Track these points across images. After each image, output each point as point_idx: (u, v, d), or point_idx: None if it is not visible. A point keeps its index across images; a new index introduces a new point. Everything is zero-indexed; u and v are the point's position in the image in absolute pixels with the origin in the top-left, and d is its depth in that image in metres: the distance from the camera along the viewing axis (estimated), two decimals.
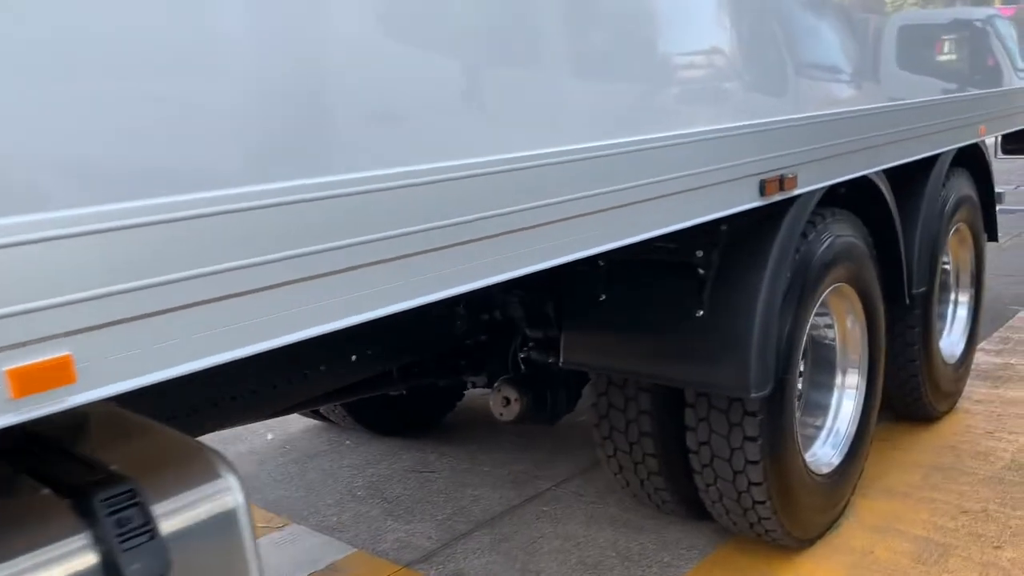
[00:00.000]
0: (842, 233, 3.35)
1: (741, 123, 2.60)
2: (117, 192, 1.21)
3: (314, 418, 4.91)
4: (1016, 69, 5.34)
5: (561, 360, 3.23)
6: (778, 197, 2.79)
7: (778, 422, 3.05)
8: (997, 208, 7.47)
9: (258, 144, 1.41)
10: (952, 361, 4.64)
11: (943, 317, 4.80)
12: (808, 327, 3.19)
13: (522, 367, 3.59)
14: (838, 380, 3.63)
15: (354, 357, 3.04)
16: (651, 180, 2.28)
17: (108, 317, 1.20)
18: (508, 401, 3.52)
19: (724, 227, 2.97)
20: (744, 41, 2.68)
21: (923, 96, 3.72)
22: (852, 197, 3.57)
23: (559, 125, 2.04)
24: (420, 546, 3.66)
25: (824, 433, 3.54)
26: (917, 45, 3.75)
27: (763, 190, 2.69)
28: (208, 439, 1.83)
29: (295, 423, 5.08)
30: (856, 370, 3.63)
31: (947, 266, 4.83)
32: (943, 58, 4.10)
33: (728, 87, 2.62)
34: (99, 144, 1.20)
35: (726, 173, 2.55)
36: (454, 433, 4.86)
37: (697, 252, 2.94)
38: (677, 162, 2.37)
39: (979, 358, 5.51)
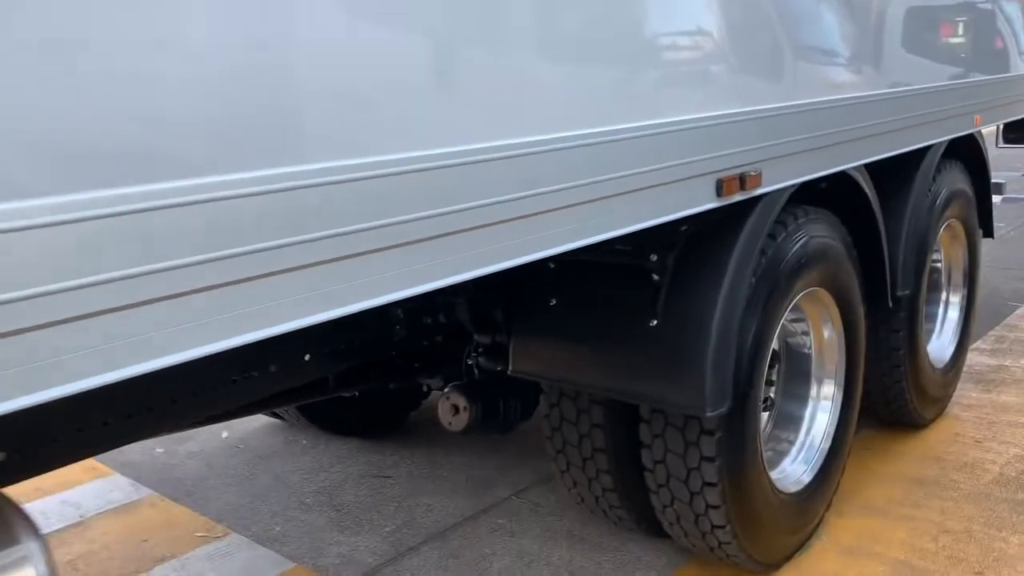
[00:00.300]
0: (817, 233, 3.10)
1: (694, 116, 2.34)
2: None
3: (271, 416, 4.69)
4: (1021, 54, 5.05)
5: (510, 369, 2.99)
6: (739, 197, 2.53)
7: (739, 441, 2.81)
8: (997, 200, 7.22)
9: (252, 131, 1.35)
10: (941, 365, 4.39)
11: (933, 318, 4.55)
12: (775, 337, 2.94)
13: (476, 372, 3.35)
14: (813, 391, 3.39)
15: (308, 357, 2.82)
16: (583, 182, 2.03)
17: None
18: (457, 409, 3.28)
19: (684, 228, 2.72)
20: (698, 25, 2.41)
21: (910, 84, 3.45)
22: (830, 194, 3.31)
23: (479, 118, 1.79)
24: (363, 562, 3.44)
25: (795, 449, 3.30)
26: (904, 28, 3.47)
27: (720, 190, 2.43)
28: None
29: (253, 420, 4.86)
30: (832, 380, 3.38)
31: (938, 264, 4.56)
32: (934, 42, 3.81)
33: (679, 76, 2.35)
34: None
35: (676, 172, 2.29)
36: (417, 433, 4.62)
37: (651, 256, 2.69)
38: (615, 161, 2.11)
39: (972, 359, 5.26)
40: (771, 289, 2.85)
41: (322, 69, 1.46)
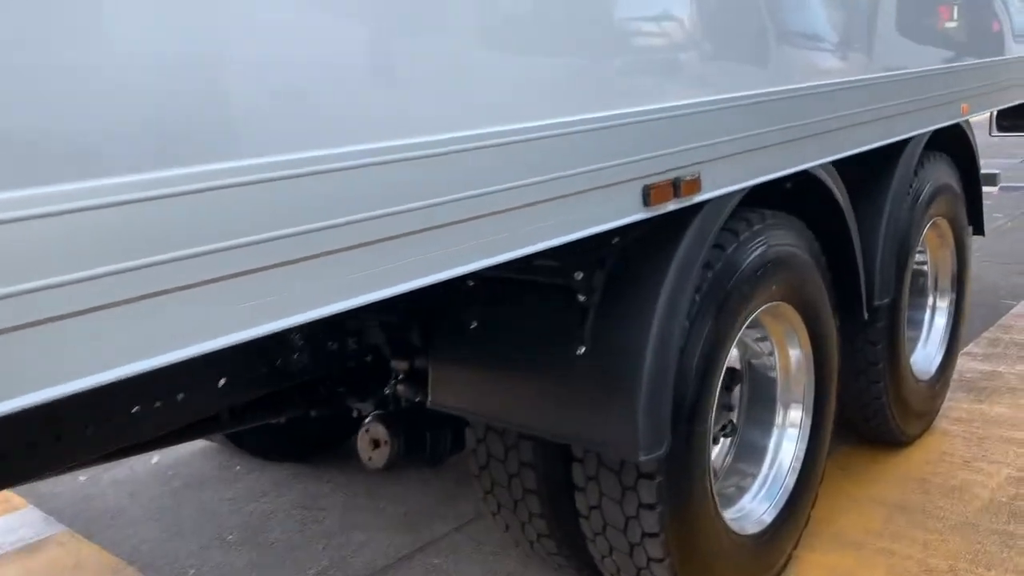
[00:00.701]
0: (777, 242, 2.73)
1: (612, 112, 1.97)
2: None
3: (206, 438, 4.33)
4: (1016, 36, 4.67)
5: (428, 401, 2.64)
6: (672, 206, 2.16)
7: (684, 484, 2.45)
8: (993, 190, 6.85)
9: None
10: (926, 378, 4.02)
11: (918, 325, 4.18)
12: (728, 359, 2.58)
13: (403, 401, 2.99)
14: (779, 417, 3.02)
15: (223, 381, 2.52)
16: (469, 194, 1.67)
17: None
18: (377, 443, 2.92)
19: (616, 239, 2.36)
20: (619, 6, 2.04)
21: (885, 70, 3.07)
22: (794, 195, 2.94)
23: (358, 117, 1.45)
24: None
25: (758, 483, 2.94)
26: (876, 6, 3.10)
27: (648, 199, 2.07)
28: None
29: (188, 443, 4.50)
30: (800, 405, 3.01)
31: (923, 267, 4.20)
32: (913, 23, 3.43)
33: (596, 67, 1.98)
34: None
35: (592, 179, 1.93)
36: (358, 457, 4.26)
37: (576, 273, 2.33)
38: (517, 168, 1.75)
39: (964, 364, 4.90)
40: (720, 307, 2.48)
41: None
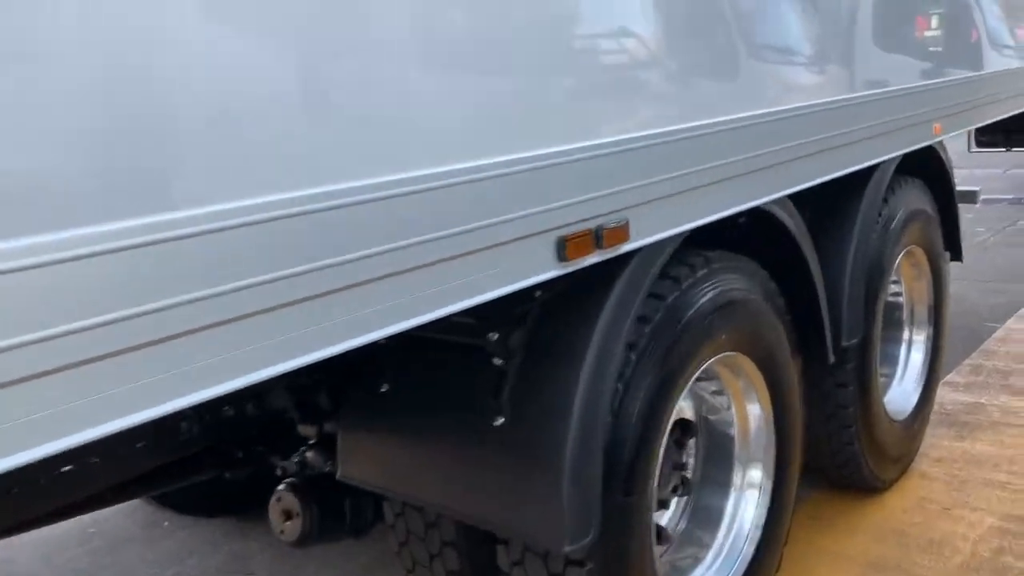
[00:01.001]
0: (727, 287, 2.45)
1: (517, 156, 1.69)
2: None
3: None
4: (995, 48, 4.43)
5: (338, 473, 2.35)
6: (595, 259, 1.88)
7: (621, 568, 2.16)
8: (978, 205, 6.61)
9: None
10: (902, 417, 3.74)
11: (893, 361, 3.90)
12: (668, 425, 2.29)
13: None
14: (736, 478, 2.73)
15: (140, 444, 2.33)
16: (331, 262, 1.39)
17: None
18: (289, 515, 2.62)
19: (539, 293, 2.07)
20: (527, 35, 1.76)
21: (845, 93, 2.80)
22: (747, 233, 2.67)
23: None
24: None
25: (712, 554, 2.65)
26: (833, 24, 2.83)
27: (563, 252, 1.78)
28: None
29: None
30: (760, 465, 2.72)
31: (899, 298, 3.92)
32: (878, 40, 3.17)
33: (501, 107, 1.70)
34: None
35: (491, 234, 1.65)
36: None
37: (490, 334, 2.04)
38: (387, 228, 1.47)
39: (944, 394, 4.63)
40: (660, 365, 2.20)
41: None
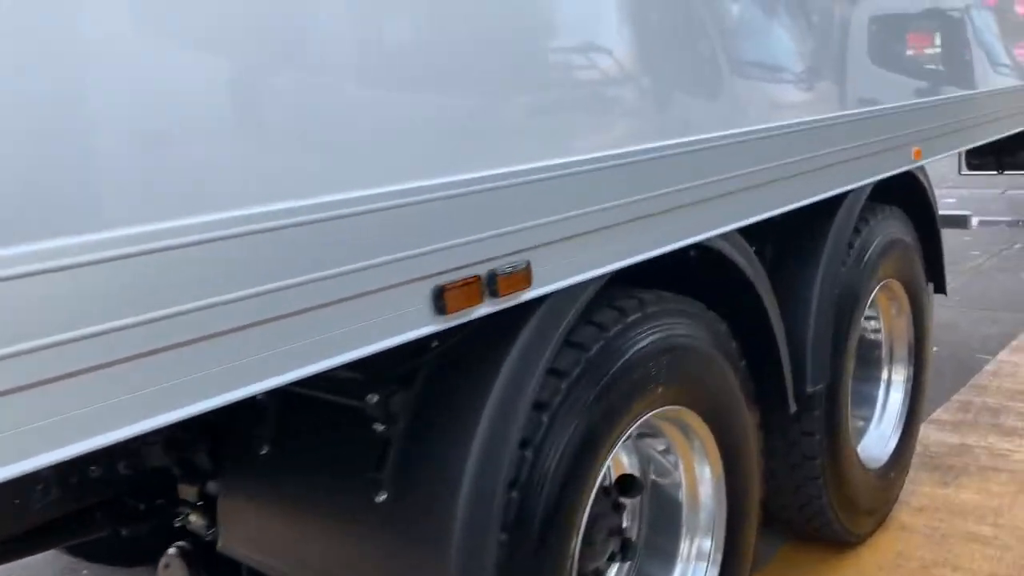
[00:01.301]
0: (666, 332, 2.17)
1: (386, 189, 1.42)
2: None
3: None
4: (985, 65, 4.16)
5: (219, 543, 2.06)
6: (486, 309, 1.60)
7: None
8: (973, 223, 6.32)
9: None
10: (878, 465, 3.45)
11: (870, 403, 3.61)
12: (592, 495, 2.00)
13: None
14: (684, 548, 2.44)
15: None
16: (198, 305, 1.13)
17: None
18: None
19: (435, 344, 1.80)
20: (395, 45, 1.48)
21: (803, 115, 2.52)
22: (691, 269, 2.39)
23: None
24: None
25: None
26: (795, 36, 2.56)
27: (442, 304, 1.50)
28: None
29: None
30: (710, 535, 2.43)
31: (877, 335, 3.63)
32: (848, 56, 2.90)
33: (369, 133, 1.42)
34: None
35: (352, 282, 1.37)
36: None
37: (369, 396, 1.75)
38: (221, 276, 1.20)
39: (929, 434, 4.34)
40: (579, 426, 1.91)
41: None
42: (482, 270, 1.57)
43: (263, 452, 1.98)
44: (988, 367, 5.35)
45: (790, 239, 2.92)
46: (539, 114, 1.70)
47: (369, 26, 1.45)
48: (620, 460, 2.45)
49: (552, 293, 1.77)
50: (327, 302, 1.36)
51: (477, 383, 1.74)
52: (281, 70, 1.32)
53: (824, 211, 2.93)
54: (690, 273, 2.41)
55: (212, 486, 2.21)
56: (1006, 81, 4.34)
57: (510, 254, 1.62)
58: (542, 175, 1.66)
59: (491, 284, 1.58)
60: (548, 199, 1.68)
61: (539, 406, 1.84)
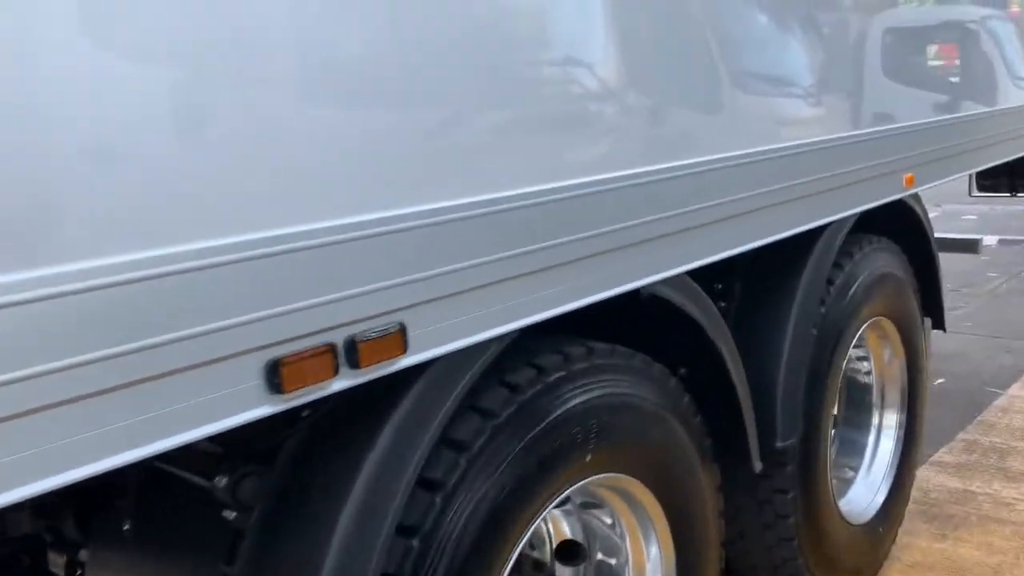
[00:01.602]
0: (602, 390, 1.91)
1: (206, 244, 1.17)
2: None
3: None
4: (991, 82, 3.87)
5: None
6: (344, 383, 1.34)
7: None
8: (992, 242, 5.98)
9: None
10: (865, 520, 3.16)
11: (859, 452, 3.32)
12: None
13: None
14: None
15: None
16: None
17: None
18: None
19: (306, 412, 1.55)
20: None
21: (763, 143, 2.24)
22: (637, 316, 2.13)
23: None
24: None
25: None
26: (752, 48, 2.29)
27: (277, 381, 1.24)
28: None
29: None
30: None
31: (867, 378, 3.34)
32: (825, 74, 2.62)
33: (179, 185, 1.17)
34: None
35: (165, 357, 1.13)
36: None
37: (217, 479, 1.50)
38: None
39: (930, 477, 4.05)
40: (490, 506, 1.65)
41: None
42: (337, 336, 1.31)
43: (125, 528, 1.74)
44: (998, 402, 5.02)
45: (761, 275, 2.65)
46: (416, 152, 1.44)
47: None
48: (560, 528, 2.20)
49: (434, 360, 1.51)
50: (128, 382, 1.11)
51: (349, 461, 1.49)
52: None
53: (802, 244, 2.66)
54: (641, 320, 2.16)
55: (83, 555, 1.97)
56: (1013, 100, 4.03)
57: (378, 315, 1.37)
58: (419, 222, 1.40)
59: (350, 353, 1.32)
60: (430, 248, 1.43)
61: (429, 485, 1.59)
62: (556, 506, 1.92)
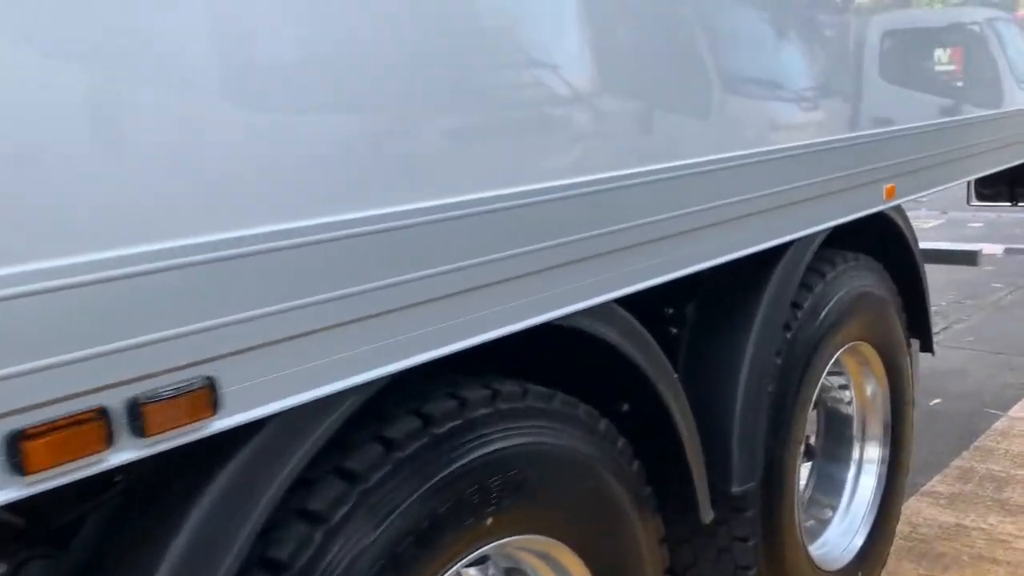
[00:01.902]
0: (508, 443, 1.64)
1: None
2: None
3: None
4: (984, 86, 3.59)
5: None
6: (123, 457, 1.08)
7: None
8: (997, 252, 5.70)
9: None
10: (841, 565, 2.87)
11: (836, 489, 3.03)
12: None
13: None
14: None
15: None
16: None
17: None
18: None
19: (118, 478, 1.28)
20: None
21: (710, 152, 1.96)
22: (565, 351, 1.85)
23: None
24: None
25: None
26: (707, 45, 2.02)
27: (18, 462, 0.98)
28: None
29: None
30: None
31: (847, 408, 3.05)
32: (787, 75, 2.34)
33: None
34: None
35: None
36: None
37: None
38: None
39: (920, 510, 3.76)
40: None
41: None
42: (113, 399, 1.04)
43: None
44: (998, 424, 4.71)
45: (717, 298, 2.37)
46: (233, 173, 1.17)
47: None
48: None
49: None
50: None
51: (157, 544, 1.22)
52: None
53: (766, 261, 2.38)
54: (574, 355, 1.89)
55: None
56: (1011, 103, 3.74)
57: (178, 368, 1.10)
58: (220, 254, 1.13)
59: (133, 418, 1.06)
60: (243, 288, 1.15)
61: (272, 566, 1.32)
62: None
